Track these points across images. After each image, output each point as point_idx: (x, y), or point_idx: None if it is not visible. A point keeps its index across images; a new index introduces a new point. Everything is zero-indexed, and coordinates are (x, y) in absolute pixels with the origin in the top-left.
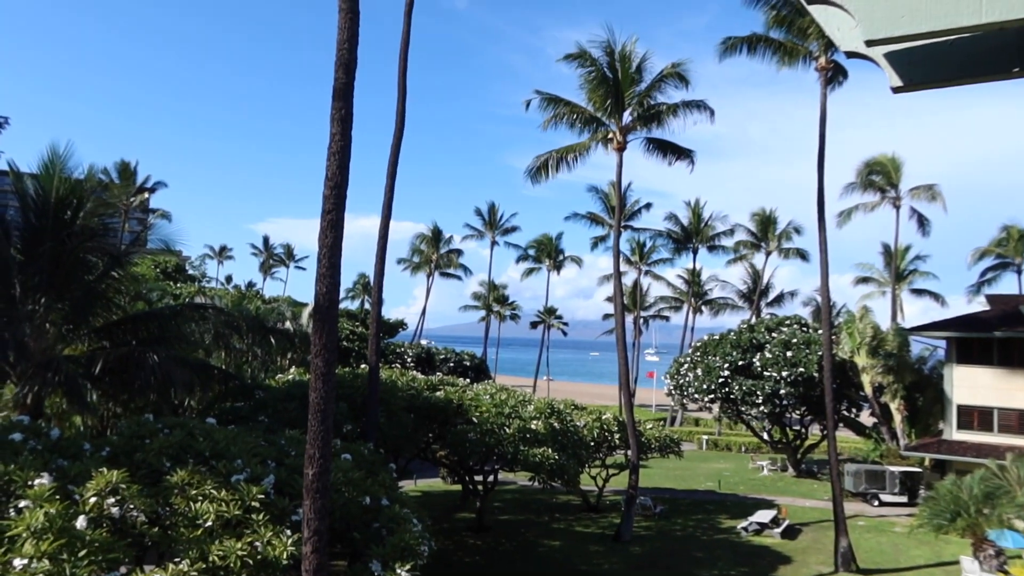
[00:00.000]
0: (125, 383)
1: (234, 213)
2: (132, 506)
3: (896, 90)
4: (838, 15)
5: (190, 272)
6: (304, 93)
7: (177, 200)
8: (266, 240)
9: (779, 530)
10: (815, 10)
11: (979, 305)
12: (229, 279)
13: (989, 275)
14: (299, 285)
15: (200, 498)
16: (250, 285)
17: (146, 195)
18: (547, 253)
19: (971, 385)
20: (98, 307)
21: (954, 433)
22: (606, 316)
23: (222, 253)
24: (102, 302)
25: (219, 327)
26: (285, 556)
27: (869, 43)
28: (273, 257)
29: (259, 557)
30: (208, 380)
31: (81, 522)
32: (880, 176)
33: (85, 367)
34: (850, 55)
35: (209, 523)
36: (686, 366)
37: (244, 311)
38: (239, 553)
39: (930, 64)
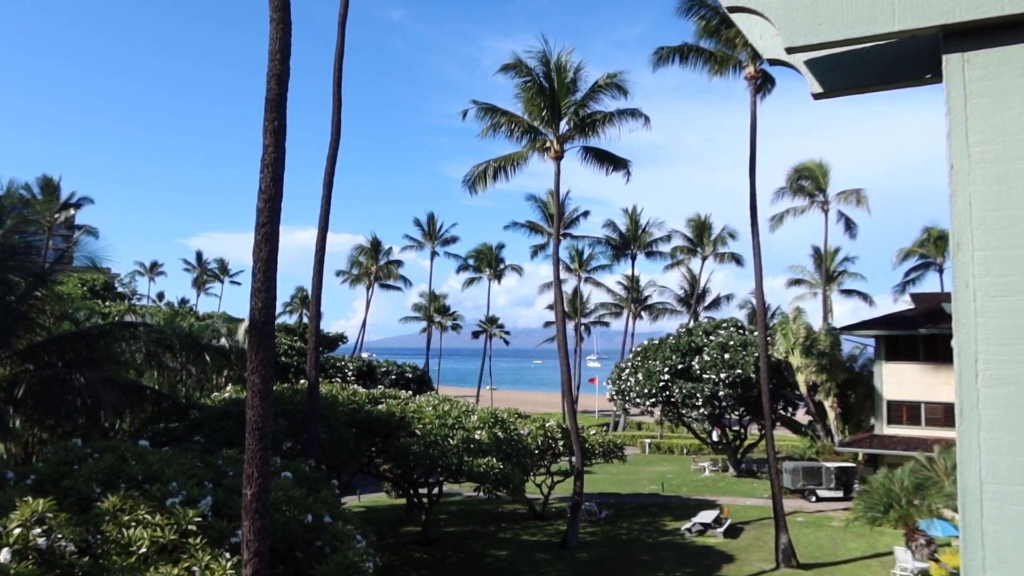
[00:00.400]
0: (50, 407)
1: (164, 229)
2: (60, 536)
3: (817, 96)
4: (760, 23)
5: (119, 290)
6: (234, 110)
7: (104, 217)
8: (199, 255)
9: (722, 529)
10: (737, 18)
11: (904, 304)
12: (161, 296)
13: (913, 274)
14: (235, 300)
15: (133, 524)
16: (183, 302)
17: (71, 211)
18: (487, 262)
19: (899, 381)
20: (20, 328)
21: (885, 428)
22: (547, 324)
23: (153, 270)
24: (25, 323)
25: (151, 346)
26: None
27: (789, 50)
28: (207, 272)
29: None
30: (140, 401)
31: (4, 555)
32: (809, 181)
33: (7, 391)
34: (772, 62)
35: (143, 549)
36: (627, 371)
37: (177, 328)
38: None
39: (848, 71)
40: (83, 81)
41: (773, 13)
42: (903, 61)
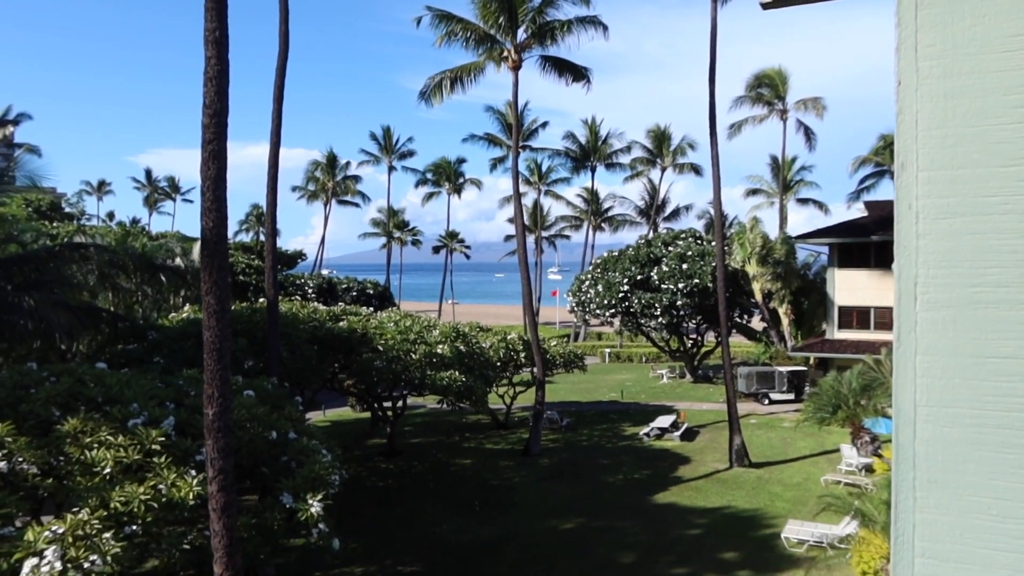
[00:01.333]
0: (0, 331)
1: (111, 147)
2: (21, 459)
3: (765, 6)
4: None
5: (67, 210)
6: (180, 19)
7: (45, 136)
8: (148, 173)
9: (679, 433)
10: None
11: (858, 211)
12: (111, 216)
13: (868, 182)
14: (188, 219)
15: (96, 445)
16: (135, 221)
17: (9, 128)
18: (446, 176)
19: (851, 287)
20: None
21: (836, 332)
22: (508, 237)
23: (101, 189)
24: None
25: (103, 267)
26: (191, 497)
27: None
28: (157, 191)
29: (164, 500)
30: (95, 323)
31: None
32: (768, 89)
33: None
34: None
35: (108, 470)
36: (587, 283)
37: (130, 249)
38: (142, 497)
39: None
40: None
41: None
42: None
